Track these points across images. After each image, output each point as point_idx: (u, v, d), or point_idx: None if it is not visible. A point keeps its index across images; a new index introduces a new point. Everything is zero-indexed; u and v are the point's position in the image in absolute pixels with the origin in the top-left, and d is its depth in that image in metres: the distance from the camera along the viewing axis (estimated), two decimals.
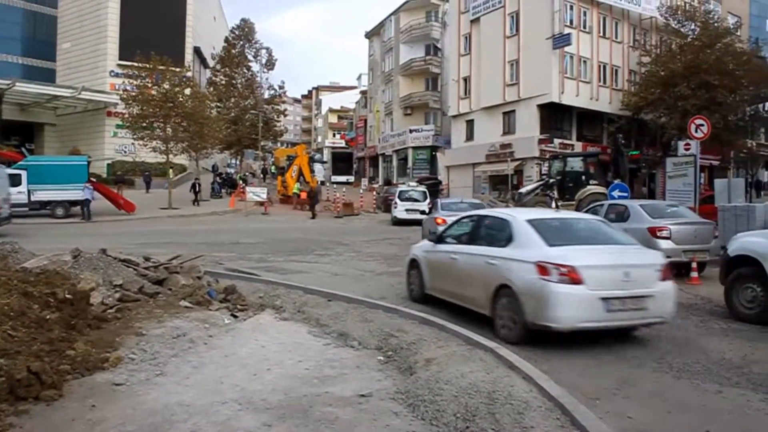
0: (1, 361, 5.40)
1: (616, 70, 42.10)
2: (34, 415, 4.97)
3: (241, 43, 62.06)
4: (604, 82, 41.41)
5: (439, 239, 10.35)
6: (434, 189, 42.50)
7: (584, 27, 40.10)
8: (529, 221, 8.47)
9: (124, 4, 57.30)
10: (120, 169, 52.01)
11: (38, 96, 54.18)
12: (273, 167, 65.19)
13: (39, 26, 64.44)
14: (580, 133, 41.65)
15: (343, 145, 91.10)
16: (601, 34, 41.16)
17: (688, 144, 19.60)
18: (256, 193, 39.62)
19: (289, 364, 6.74)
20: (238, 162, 64.13)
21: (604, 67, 41.46)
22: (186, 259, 12.26)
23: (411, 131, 56.59)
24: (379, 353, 7.22)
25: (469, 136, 46.35)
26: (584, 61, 40.18)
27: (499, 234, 8.79)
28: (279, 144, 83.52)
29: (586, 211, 16.75)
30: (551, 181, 28.13)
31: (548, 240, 7.98)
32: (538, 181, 31.24)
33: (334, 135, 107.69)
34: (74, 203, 32.60)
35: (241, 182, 49.99)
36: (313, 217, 35.21)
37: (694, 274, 12.93)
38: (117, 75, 54.36)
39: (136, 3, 56.59)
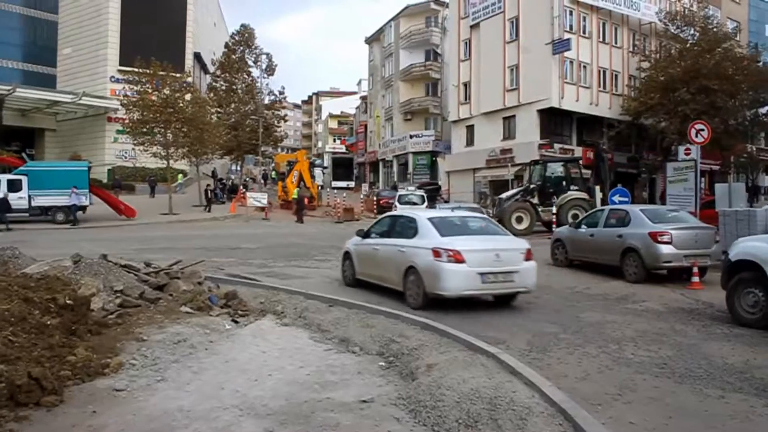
0: (2, 366, 5.39)
1: (616, 75, 42.14)
2: (34, 421, 4.96)
3: (241, 48, 61.99)
4: (604, 87, 41.45)
5: (366, 235, 12.75)
6: (434, 194, 42.64)
7: (584, 32, 40.17)
8: (429, 219, 11.13)
9: (124, 10, 57.42)
10: (120, 175, 52.03)
11: (39, 101, 54.24)
12: (273, 172, 65.20)
13: (39, 32, 64.66)
14: (580, 138, 41.64)
15: (344, 150, 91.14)
16: (601, 39, 41.21)
17: (688, 149, 19.63)
18: (257, 198, 39.59)
19: (290, 369, 6.73)
20: (239, 168, 64.10)
21: (604, 72, 41.51)
22: (187, 264, 12.25)
23: (411, 136, 56.65)
24: (380, 359, 7.21)
25: (470, 142, 46.37)
26: (584, 67, 40.23)
27: (408, 229, 11.28)
28: (279, 149, 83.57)
29: (588, 217, 16.72)
30: (531, 186, 28.04)
31: (441, 232, 10.52)
32: (518, 186, 31.12)
33: (334, 140, 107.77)
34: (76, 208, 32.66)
35: (241, 188, 50.03)
36: (300, 221, 35.22)
37: (696, 279, 12.90)
38: (117, 80, 54.41)
39: (137, 9, 56.71)
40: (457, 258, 9.86)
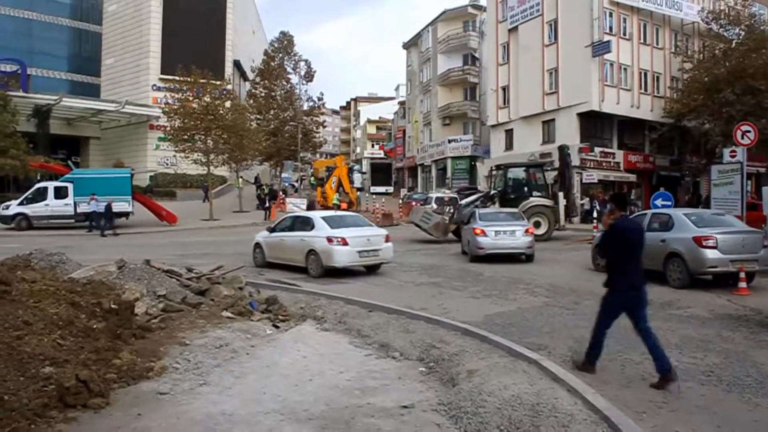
0: (51, 369, 5.53)
1: (658, 77, 41.38)
2: (82, 422, 5.07)
3: (280, 55, 62.61)
4: (645, 89, 40.73)
5: (272, 230, 17.81)
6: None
7: (624, 34, 39.55)
8: (322, 217, 16.58)
9: (165, 20, 58.56)
10: (162, 181, 52.95)
11: (84, 110, 55.66)
12: (312, 178, 65.70)
13: (84, 43, 66.31)
14: (621, 142, 41.02)
15: (382, 155, 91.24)
16: (642, 40, 40.53)
17: (734, 151, 19.15)
18: (296, 204, 39.85)
19: (330, 374, 6.75)
20: (281, 173, 64.70)
21: (645, 74, 40.80)
22: (228, 269, 12.41)
23: (450, 141, 56.48)
24: (420, 364, 7.19)
25: (509, 146, 45.99)
26: (624, 69, 39.60)
27: (306, 225, 16.43)
28: (318, 155, 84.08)
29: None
30: (492, 192, 27.09)
31: (331, 226, 15.72)
32: (479, 192, 30.15)
33: (372, 145, 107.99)
34: (119, 215, 33.27)
35: (281, 193, 50.47)
36: None
37: (743, 285, 12.53)
38: (159, 89, 55.46)
39: (177, 18, 57.77)
40: (343, 242, 15.01)
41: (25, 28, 61.58)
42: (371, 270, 16.17)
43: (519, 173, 27.65)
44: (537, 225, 24.66)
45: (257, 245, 17.95)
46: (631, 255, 6.96)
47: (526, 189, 26.63)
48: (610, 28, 38.61)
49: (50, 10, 63.19)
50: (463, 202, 27.19)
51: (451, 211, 27.07)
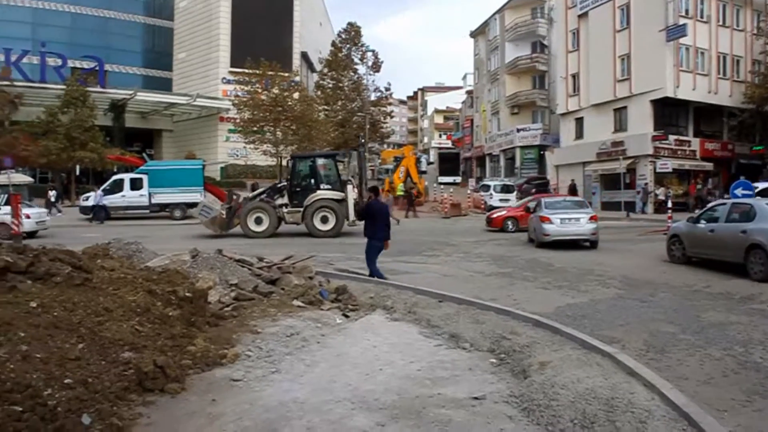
0: (131, 354, 5.71)
1: (738, 61, 39.70)
2: (160, 406, 5.22)
3: (348, 46, 62.99)
4: (724, 74, 39.14)
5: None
6: (544, 188, 42.01)
7: (701, 16, 38.05)
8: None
9: (234, 14, 59.69)
10: (233, 172, 54.06)
11: (157, 104, 57.44)
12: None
13: (157, 38, 68.35)
14: (698, 129, 39.59)
15: (450, 145, 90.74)
16: (721, 22, 38.93)
17: None
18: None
19: (400, 364, 6.74)
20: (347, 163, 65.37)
21: (724, 58, 39.20)
22: (298, 259, 12.55)
23: (518, 130, 55.68)
24: (491, 355, 7.09)
25: (579, 135, 45.04)
26: (701, 53, 38.14)
27: None
28: (386, 145, 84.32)
29: (708, 211, 15.78)
30: (280, 185, 25.86)
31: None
32: (268, 186, 28.61)
33: (440, 135, 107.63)
34: (191, 205, 34.15)
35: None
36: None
37: None
38: (229, 81, 56.60)
39: (246, 12, 58.77)
40: (27, 216, 20.89)
41: (102, 26, 63.88)
42: (31, 235, 22.46)
43: (308, 164, 26.09)
44: (324, 220, 23.84)
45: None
46: (377, 221, 12.25)
47: (313, 182, 25.19)
48: (686, 11, 37.24)
49: (126, 8, 65.42)
50: (250, 195, 26.18)
51: (228, 206, 25.23)
